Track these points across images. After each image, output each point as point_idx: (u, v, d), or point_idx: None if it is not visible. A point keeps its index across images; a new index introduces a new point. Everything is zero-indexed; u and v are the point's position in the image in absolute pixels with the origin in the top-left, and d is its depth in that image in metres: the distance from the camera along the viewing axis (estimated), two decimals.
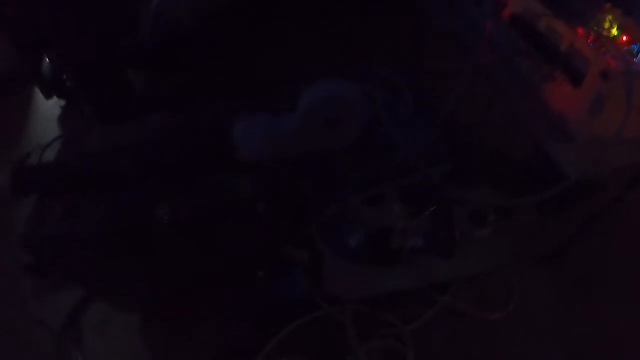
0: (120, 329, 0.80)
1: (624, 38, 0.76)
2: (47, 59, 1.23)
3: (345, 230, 0.68)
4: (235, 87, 1.09)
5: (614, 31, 0.77)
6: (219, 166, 0.57)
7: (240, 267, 0.64)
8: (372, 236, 0.66)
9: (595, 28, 0.78)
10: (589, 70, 0.67)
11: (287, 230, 0.64)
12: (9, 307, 0.81)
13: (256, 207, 0.53)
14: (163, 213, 0.53)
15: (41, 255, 0.65)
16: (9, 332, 0.80)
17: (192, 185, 0.56)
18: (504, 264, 0.75)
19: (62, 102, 1.31)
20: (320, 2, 1.06)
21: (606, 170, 0.64)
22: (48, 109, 1.32)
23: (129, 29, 1.19)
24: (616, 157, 0.66)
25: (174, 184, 0.56)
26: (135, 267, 0.67)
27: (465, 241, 0.67)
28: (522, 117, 0.70)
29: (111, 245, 0.63)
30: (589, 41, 0.74)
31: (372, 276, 0.69)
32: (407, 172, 0.63)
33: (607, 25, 0.78)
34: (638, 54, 0.71)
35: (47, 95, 1.25)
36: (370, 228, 0.65)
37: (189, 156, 0.59)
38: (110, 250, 0.64)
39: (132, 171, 0.60)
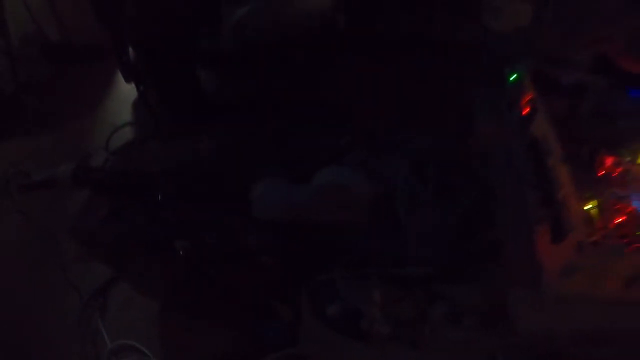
0: (140, 310, 0.93)
1: None
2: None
3: (326, 299, 0.75)
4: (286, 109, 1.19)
5: None
6: (240, 217, 0.67)
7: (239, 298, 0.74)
8: (346, 312, 0.73)
9: (629, 158, 0.80)
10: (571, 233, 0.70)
11: (280, 285, 0.73)
12: (51, 270, 0.95)
13: (262, 259, 0.63)
14: (180, 246, 0.64)
15: (83, 242, 0.79)
16: (46, 291, 0.96)
17: (212, 228, 0.66)
18: None
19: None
20: None
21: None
22: (127, 90, 1.46)
23: (210, 33, 1.30)
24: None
25: (197, 219, 0.67)
26: (156, 269, 0.79)
27: (436, 338, 0.72)
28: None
29: (138, 248, 0.75)
30: (615, 173, 0.77)
31: (342, 346, 0.75)
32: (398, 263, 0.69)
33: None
34: None
35: (127, 80, 1.41)
36: (347, 305, 0.73)
37: (218, 200, 0.69)
38: (136, 251, 0.76)
39: (166, 194, 0.72)
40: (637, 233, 0.73)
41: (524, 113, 0.84)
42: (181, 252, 0.64)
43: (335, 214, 0.66)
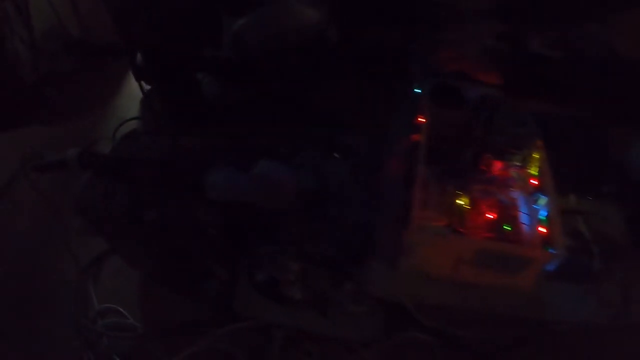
0: (126, 279, 1.06)
1: (532, 181, 0.91)
2: None
3: (256, 268, 0.92)
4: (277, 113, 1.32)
5: (533, 170, 0.91)
6: (197, 196, 0.82)
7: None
8: (270, 279, 0.89)
9: (519, 164, 0.93)
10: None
11: (222, 254, 0.88)
12: (55, 241, 1.09)
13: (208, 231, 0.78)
14: (148, 217, 0.79)
15: (83, 216, 0.92)
16: (50, 258, 1.11)
17: (173, 204, 0.81)
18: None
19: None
20: None
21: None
22: (137, 88, 1.61)
23: (212, 42, 1.44)
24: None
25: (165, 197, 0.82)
26: (139, 244, 0.93)
27: (341, 310, 0.88)
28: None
29: (125, 225, 0.89)
30: (504, 176, 0.94)
31: (265, 307, 0.92)
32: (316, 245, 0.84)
33: (533, 167, 0.92)
34: (537, 201, 0.86)
35: (137, 78, 1.55)
36: (271, 273, 0.88)
37: (182, 182, 0.84)
38: (124, 229, 0.90)
39: (147, 180, 0.86)
40: (505, 227, 0.88)
41: (416, 122, 1.02)
42: (152, 218, 0.78)
43: (265, 199, 0.81)
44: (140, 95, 1.57)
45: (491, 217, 0.90)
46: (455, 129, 0.97)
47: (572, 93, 1.14)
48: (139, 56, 1.52)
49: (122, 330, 0.97)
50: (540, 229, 0.86)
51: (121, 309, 1.00)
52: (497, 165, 0.97)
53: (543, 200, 0.89)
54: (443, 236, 0.85)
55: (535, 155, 0.93)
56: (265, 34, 1.33)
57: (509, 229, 0.89)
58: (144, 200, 0.84)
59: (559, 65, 1.17)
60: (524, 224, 0.90)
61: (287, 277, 0.85)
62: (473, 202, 0.91)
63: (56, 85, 1.67)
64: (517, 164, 0.95)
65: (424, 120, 1.00)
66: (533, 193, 0.92)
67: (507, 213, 0.90)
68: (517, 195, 0.94)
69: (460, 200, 0.90)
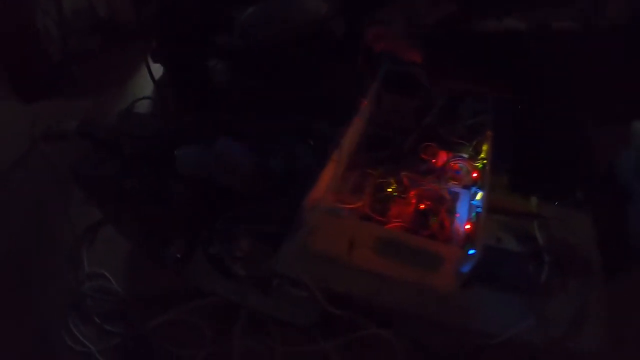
0: (116, 247, 1.12)
1: (474, 174, 0.89)
2: None
3: (210, 242, 0.95)
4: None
5: (479, 164, 0.89)
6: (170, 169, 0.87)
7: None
8: (220, 254, 0.92)
9: (466, 156, 0.91)
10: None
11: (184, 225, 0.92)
12: (57, 208, 1.17)
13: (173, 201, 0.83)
14: (128, 184, 0.84)
15: (76, 182, 0.99)
16: (46, 225, 1.19)
17: (152, 174, 0.86)
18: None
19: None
20: None
21: None
22: (154, 69, 1.67)
23: (223, 30, 1.49)
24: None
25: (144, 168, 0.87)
26: (118, 210, 0.99)
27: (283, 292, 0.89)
28: None
29: (109, 192, 0.95)
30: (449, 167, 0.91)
31: (214, 280, 0.94)
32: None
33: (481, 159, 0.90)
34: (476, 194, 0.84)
35: (154, 60, 1.62)
36: (222, 248, 0.92)
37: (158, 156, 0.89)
38: (108, 195, 0.96)
39: (130, 151, 0.92)
40: (433, 219, 0.86)
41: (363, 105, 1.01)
42: (135, 187, 0.84)
43: (223, 175, 0.84)
44: (156, 76, 1.65)
45: (421, 207, 0.88)
46: (405, 116, 0.96)
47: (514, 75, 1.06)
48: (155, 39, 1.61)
49: (106, 294, 1.03)
50: (467, 226, 0.84)
51: (107, 274, 1.06)
52: (442, 156, 0.95)
53: (480, 196, 0.86)
54: (336, 217, 0.83)
55: (484, 147, 0.91)
56: (271, 24, 1.36)
57: (435, 221, 0.86)
58: (126, 170, 0.90)
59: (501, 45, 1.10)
60: (458, 219, 0.87)
61: (234, 253, 0.88)
62: (403, 191, 0.89)
63: (80, 62, 1.76)
64: (464, 155, 0.93)
65: (365, 104, 0.99)
66: (472, 187, 0.90)
67: (440, 206, 0.88)
68: (457, 188, 0.91)
69: (391, 187, 0.89)
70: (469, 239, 0.82)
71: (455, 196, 0.91)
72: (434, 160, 0.95)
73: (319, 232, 0.86)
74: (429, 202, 0.89)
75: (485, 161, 0.91)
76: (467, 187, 0.92)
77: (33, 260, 1.12)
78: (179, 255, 0.92)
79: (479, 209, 0.85)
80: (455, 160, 0.95)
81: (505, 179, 0.98)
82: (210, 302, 0.95)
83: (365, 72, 1.13)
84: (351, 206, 0.87)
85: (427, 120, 0.95)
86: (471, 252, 0.77)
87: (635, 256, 0.92)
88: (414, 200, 0.89)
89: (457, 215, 0.89)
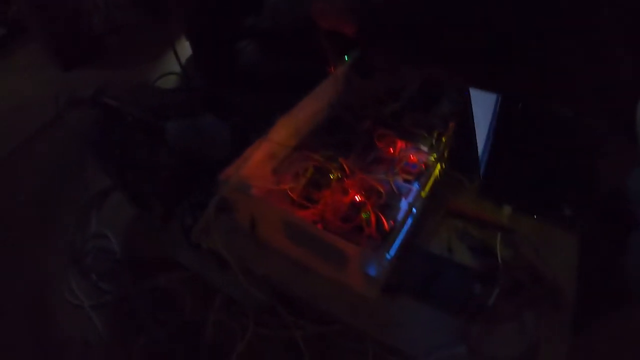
0: (122, 212, 1.18)
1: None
2: None
3: (187, 213, 0.98)
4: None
5: (432, 157, 0.85)
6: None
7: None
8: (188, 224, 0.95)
9: (425, 148, 0.86)
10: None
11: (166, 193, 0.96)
12: (75, 172, 1.25)
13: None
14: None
15: (88, 146, 1.06)
16: (65, 186, 1.26)
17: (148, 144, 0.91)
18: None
19: None
20: None
21: None
22: (187, 46, 1.73)
23: (253, 13, 1.52)
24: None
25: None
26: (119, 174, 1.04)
27: None
28: None
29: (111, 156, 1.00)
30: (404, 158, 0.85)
31: (182, 250, 0.96)
32: None
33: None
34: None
35: (187, 38, 1.67)
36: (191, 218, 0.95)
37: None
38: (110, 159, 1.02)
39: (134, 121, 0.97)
40: (364, 216, 0.78)
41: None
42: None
43: (203, 148, 0.87)
44: (188, 53, 1.71)
45: (358, 198, 0.81)
46: (367, 101, 0.92)
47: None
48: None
49: (105, 253, 1.09)
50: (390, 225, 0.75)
51: (110, 236, 1.12)
52: (399, 145, 0.89)
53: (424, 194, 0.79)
54: (243, 194, 0.79)
55: (443, 140, 0.85)
56: (296, 9, 1.37)
57: (365, 215, 0.78)
58: (130, 138, 0.95)
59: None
60: (392, 216, 0.79)
61: (198, 225, 0.91)
62: (341, 178, 0.84)
63: (119, 35, 1.84)
64: (424, 147, 0.87)
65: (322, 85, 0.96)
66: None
67: (376, 199, 0.81)
68: (403, 183, 0.84)
69: (333, 173, 0.84)
70: (387, 240, 0.73)
71: (401, 191, 0.83)
72: (390, 150, 0.90)
73: (236, 208, 0.84)
74: (365, 193, 0.82)
75: (435, 155, 0.83)
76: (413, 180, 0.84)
77: (47, 216, 1.20)
78: (158, 222, 0.96)
79: (414, 209, 0.79)
80: (409, 151, 0.88)
81: (477, 182, 0.89)
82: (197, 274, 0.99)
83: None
84: (281, 187, 0.82)
85: (390, 107, 0.92)
86: (387, 256, 0.70)
87: (627, 297, 0.78)
88: (351, 190, 0.83)
89: (399, 211, 0.80)
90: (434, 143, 0.88)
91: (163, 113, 0.96)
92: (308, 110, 0.93)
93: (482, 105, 0.90)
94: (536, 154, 0.92)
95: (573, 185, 0.89)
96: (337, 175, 0.84)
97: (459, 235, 0.85)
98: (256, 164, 0.83)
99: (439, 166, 0.86)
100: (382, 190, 0.81)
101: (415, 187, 0.83)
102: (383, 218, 0.77)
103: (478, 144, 0.82)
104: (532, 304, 0.73)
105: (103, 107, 1.04)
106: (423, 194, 0.81)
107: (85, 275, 1.05)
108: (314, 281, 0.81)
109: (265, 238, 0.87)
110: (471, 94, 0.77)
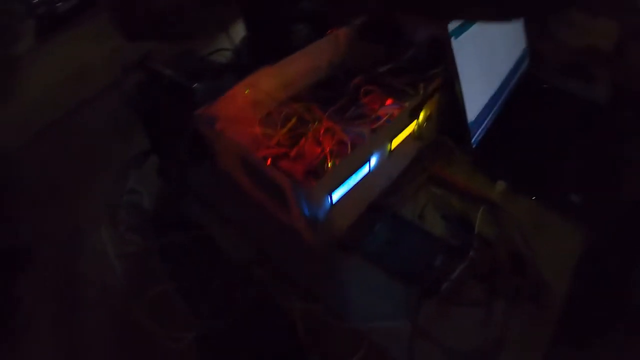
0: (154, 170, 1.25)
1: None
2: None
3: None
4: None
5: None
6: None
7: None
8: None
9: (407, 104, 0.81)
10: None
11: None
12: (122, 137, 1.33)
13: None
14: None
15: (128, 107, 1.13)
16: (111, 149, 1.35)
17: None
18: None
19: None
20: None
21: None
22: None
23: None
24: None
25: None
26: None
27: None
28: None
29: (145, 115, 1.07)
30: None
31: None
32: None
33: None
34: None
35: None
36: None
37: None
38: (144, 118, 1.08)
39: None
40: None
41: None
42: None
43: None
44: (242, 33, 1.76)
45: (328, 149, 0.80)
46: (366, 63, 0.91)
47: None
48: None
49: (136, 209, 1.16)
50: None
51: (144, 193, 1.19)
52: (386, 102, 0.88)
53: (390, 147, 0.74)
54: (209, 128, 0.82)
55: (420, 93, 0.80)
56: None
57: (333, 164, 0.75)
58: (162, 101, 1.00)
59: None
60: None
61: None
62: (317, 130, 0.83)
63: (180, 13, 1.93)
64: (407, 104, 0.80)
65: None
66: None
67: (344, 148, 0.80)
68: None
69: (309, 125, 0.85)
70: (325, 178, 0.68)
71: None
72: (375, 106, 0.89)
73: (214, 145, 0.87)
74: (335, 145, 0.82)
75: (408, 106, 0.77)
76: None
77: (92, 170, 1.29)
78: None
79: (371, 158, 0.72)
80: (394, 107, 0.86)
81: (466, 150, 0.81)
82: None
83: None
84: (257, 130, 0.87)
85: (384, 67, 0.90)
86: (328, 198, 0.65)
87: (634, 317, 0.65)
88: (322, 140, 0.82)
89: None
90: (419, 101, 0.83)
91: (196, 76, 1.01)
92: (300, 65, 0.97)
93: (488, 69, 0.84)
94: (548, 130, 0.80)
95: (588, 172, 0.76)
96: (315, 126, 0.85)
97: (437, 203, 0.77)
98: (239, 108, 0.88)
99: (414, 122, 0.80)
100: (347, 140, 0.81)
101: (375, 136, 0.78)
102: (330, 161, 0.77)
103: (476, 109, 0.75)
104: (506, 294, 0.62)
105: (146, 71, 1.11)
106: (389, 147, 0.75)
107: (116, 226, 1.13)
108: (266, 224, 0.81)
109: (233, 177, 0.88)
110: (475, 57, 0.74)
